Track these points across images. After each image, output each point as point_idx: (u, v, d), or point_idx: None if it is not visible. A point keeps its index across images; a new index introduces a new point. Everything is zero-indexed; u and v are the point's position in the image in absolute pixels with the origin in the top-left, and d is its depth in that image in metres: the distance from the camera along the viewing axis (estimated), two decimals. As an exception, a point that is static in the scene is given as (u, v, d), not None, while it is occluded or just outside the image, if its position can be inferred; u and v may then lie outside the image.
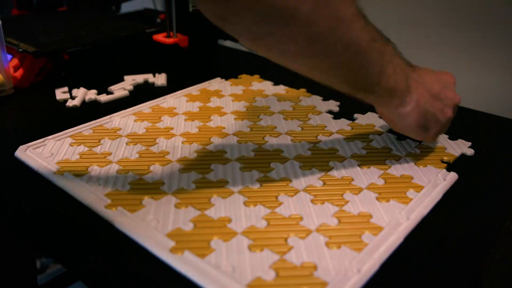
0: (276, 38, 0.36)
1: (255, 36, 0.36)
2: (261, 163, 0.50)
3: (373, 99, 0.46)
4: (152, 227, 0.40)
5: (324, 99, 0.68)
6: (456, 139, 0.57)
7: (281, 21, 0.35)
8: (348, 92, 0.45)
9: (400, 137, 0.56)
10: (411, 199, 0.45)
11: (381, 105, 0.48)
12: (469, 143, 0.56)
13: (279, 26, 0.35)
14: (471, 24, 0.77)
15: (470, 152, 0.54)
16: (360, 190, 0.46)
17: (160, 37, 0.79)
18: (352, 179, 0.48)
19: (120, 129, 0.58)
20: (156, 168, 0.49)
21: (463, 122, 0.62)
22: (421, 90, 0.46)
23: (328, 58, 0.39)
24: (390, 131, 0.58)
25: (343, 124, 0.61)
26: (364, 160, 0.52)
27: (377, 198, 0.45)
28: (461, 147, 0.55)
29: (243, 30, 0.36)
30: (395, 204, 0.44)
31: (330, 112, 0.64)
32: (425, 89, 0.47)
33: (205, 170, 0.49)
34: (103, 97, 0.68)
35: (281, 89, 0.72)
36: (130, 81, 0.73)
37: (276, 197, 0.45)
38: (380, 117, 0.55)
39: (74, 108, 0.66)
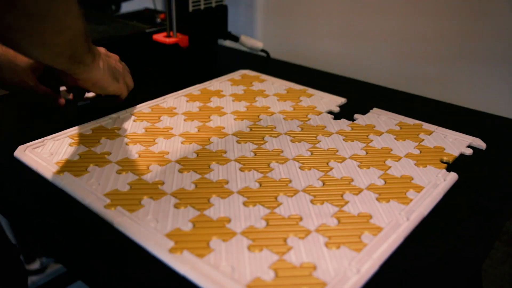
0: (25, 33, 0.40)
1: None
2: (261, 163, 0.50)
3: (82, 70, 0.53)
4: (151, 227, 0.40)
5: (325, 100, 0.68)
6: (455, 139, 0.57)
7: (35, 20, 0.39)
8: (67, 67, 0.51)
9: None
10: (411, 200, 0.45)
11: (87, 72, 0.54)
12: (467, 143, 0.56)
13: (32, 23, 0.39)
14: (471, 25, 0.77)
15: (468, 151, 0.54)
16: (360, 190, 0.46)
17: (160, 37, 0.79)
18: (352, 180, 0.48)
19: (119, 129, 0.58)
20: (155, 168, 0.49)
21: (461, 121, 0.62)
22: (100, 52, 0.57)
23: (63, 45, 0.45)
24: None
25: (343, 124, 0.60)
26: (364, 161, 0.52)
27: (377, 199, 0.45)
28: (460, 147, 0.55)
29: None
30: (395, 205, 0.44)
31: (330, 112, 0.64)
32: (101, 51, 0.59)
33: (205, 170, 0.49)
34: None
35: (282, 89, 0.72)
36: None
37: (276, 197, 0.45)
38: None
39: (74, 108, 0.66)
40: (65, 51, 0.47)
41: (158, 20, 0.95)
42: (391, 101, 0.70)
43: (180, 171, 0.49)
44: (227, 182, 0.47)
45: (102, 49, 0.62)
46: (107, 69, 0.58)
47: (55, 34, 0.43)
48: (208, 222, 0.41)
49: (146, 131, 0.58)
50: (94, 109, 0.64)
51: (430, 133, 0.59)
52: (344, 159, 0.52)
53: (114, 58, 0.63)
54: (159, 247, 0.38)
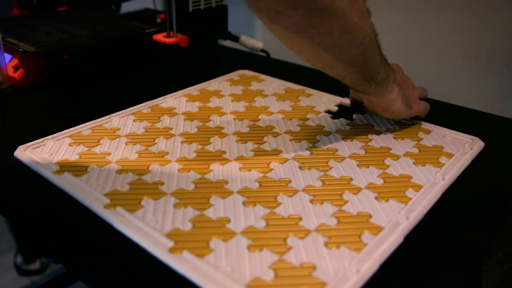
0: (317, 31, 0.42)
1: (301, 29, 0.41)
2: (260, 163, 0.50)
3: (373, 88, 0.52)
4: (151, 227, 0.40)
5: (323, 99, 0.68)
6: (453, 138, 0.57)
7: (325, 15, 0.40)
8: (357, 82, 0.50)
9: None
10: (410, 199, 0.45)
11: (377, 94, 0.53)
12: (467, 141, 0.56)
13: (322, 19, 0.40)
14: (471, 26, 0.77)
15: (467, 151, 0.54)
16: (359, 190, 0.46)
17: (160, 37, 0.79)
18: (351, 179, 0.48)
19: (119, 129, 0.58)
20: (155, 168, 0.49)
21: (460, 121, 0.62)
22: (396, 76, 0.54)
23: (353, 48, 0.45)
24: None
25: (342, 124, 0.61)
26: (363, 160, 0.52)
27: (376, 198, 0.45)
28: (459, 147, 0.55)
29: (293, 23, 0.40)
30: (395, 204, 0.44)
31: (329, 112, 0.64)
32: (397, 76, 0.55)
33: (204, 170, 0.49)
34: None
35: (281, 89, 0.72)
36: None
37: (275, 197, 0.45)
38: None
39: (73, 108, 0.66)
40: (356, 57, 0.46)
41: (158, 20, 0.95)
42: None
43: (180, 171, 0.49)
44: (227, 182, 0.47)
45: (397, 68, 0.58)
46: (401, 96, 0.55)
47: (343, 32, 0.42)
48: (208, 222, 0.41)
49: (146, 131, 0.58)
50: (94, 109, 0.64)
51: (428, 132, 0.59)
52: (343, 159, 0.52)
53: (408, 82, 0.59)
54: (159, 247, 0.38)
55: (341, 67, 0.47)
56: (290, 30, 0.41)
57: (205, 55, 0.85)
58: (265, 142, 0.55)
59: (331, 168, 0.50)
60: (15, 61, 0.72)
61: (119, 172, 0.48)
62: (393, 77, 0.52)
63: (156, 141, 0.55)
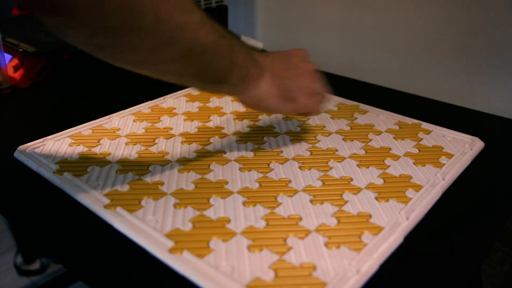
0: (117, 49, 0.37)
1: (95, 48, 0.37)
2: (260, 163, 0.50)
3: (229, 89, 0.47)
4: (151, 227, 0.40)
5: (324, 99, 0.68)
6: (453, 138, 0.57)
7: (120, 33, 0.35)
8: (202, 86, 0.47)
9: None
10: (410, 199, 0.45)
11: (238, 93, 0.48)
12: (467, 141, 0.56)
13: (118, 38, 0.35)
14: (472, 27, 0.77)
15: (467, 151, 0.54)
16: (359, 190, 0.46)
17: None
18: (351, 179, 0.48)
19: (119, 129, 0.58)
20: (155, 168, 0.49)
21: (460, 121, 0.62)
22: (273, 67, 0.48)
23: (174, 63, 0.40)
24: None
25: (342, 124, 0.61)
26: (363, 160, 0.52)
27: (376, 198, 0.45)
28: (459, 147, 0.55)
29: (82, 42, 0.36)
30: (395, 204, 0.44)
31: (329, 112, 0.64)
32: (277, 65, 0.49)
33: (204, 170, 0.49)
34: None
35: (281, 89, 0.72)
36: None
37: (275, 197, 0.45)
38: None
39: (73, 108, 0.66)
40: (183, 69, 0.41)
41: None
42: (390, 100, 0.70)
43: (180, 171, 0.49)
44: (227, 182, 0.47)
45: (298, 54, 0.51)
46: (278, 89, 0.48)
47: (154, 49, 0.37)
48: (208, 222, 0.41)
49: (146, 131, 0.58)
50: (94, 109, 0.64)
51: (428, 132, 0.59)
52: (343, 159, 0.52)
53: (302, 72, 0.51)
54: (159, 247, 0.38)
55: (169, 78, 0.42)
56: (83, 48, 0.37)
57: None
58: (265, 142, 0.55)
59: (331, 168, 0.50)
60: (15, 61, 0.72)
61: (119, 172, 0.48)
62: (257, 73, 0.47)
63: (156, 141, 0.55)
